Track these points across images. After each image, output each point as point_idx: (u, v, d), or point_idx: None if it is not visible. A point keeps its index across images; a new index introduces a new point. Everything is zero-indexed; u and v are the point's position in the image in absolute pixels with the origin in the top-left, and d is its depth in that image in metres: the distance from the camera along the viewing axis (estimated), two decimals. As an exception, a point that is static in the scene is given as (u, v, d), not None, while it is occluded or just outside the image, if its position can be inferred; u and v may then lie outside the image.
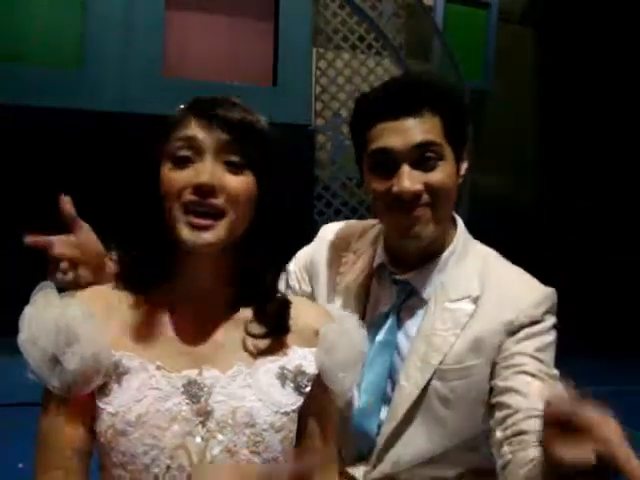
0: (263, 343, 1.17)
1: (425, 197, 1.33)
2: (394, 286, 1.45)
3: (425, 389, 1.35)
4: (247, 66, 5.96)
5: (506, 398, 1.27)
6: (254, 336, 1.16)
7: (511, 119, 8.40)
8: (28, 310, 1.09)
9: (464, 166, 1.42)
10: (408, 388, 1.36)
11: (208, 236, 1.07)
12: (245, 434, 1.08)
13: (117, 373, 1.09)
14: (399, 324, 1.43)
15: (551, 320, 1.37)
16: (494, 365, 1.33)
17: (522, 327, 1.33)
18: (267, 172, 1.14)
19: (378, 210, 1.41)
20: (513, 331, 1.33)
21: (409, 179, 1.32)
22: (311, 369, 1.18)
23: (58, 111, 5.20)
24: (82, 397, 1.09)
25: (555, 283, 1.42)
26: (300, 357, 1.18)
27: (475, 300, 1.38)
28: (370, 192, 1.40)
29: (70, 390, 1.07)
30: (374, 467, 1.39)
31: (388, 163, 1.35)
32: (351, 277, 1.50)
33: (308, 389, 1.17)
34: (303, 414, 1.18)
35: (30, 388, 1.14)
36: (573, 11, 8.10)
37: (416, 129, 1.33)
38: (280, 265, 1.25)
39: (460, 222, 1.49)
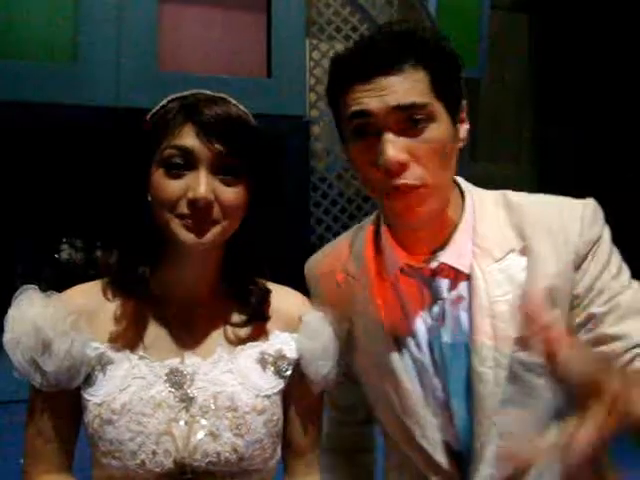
0: (243, 331, 1.20)
1: (414, 169, 1.15)
2: (431, 279, 1.29)
3: (510, 367, 1.19)
4: (241, 58, 5.95)
5: (602, 348, 1.17)
6: (235, 325, 1.20)
7: (507, 107, 8.40)
8: (11, 311, 1.12)
9: (464, 127, 1.25)
10: (489, 373, 1.19)
11: (202, 239, 1.09)
12: (227, 417, 1.12)
13: (101, 364, 1.12)
14: (454, 316, 1.26)
15: (606, 228, 1.26)
16: (571, 309, 1.20)
17: (587, 254, 1.22)
18: (262, 178, 1.15)
19: (372, 196, 1.27)
20: (581, 262, 1.20)
21: (393, 147, 1.13)
22: (292, 353, 1.22)
23: (52, 106, 5.19)
24: (67, 391, 1.11)
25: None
26: (281, 341, 1.22)
27: (523, 251, 1.23)
28: (356, 171, 1.24)
29: (55, 386, 1.10)
30: (474, 475, 1.25)
31: (369, 130, 1.17)
32: (362, 295, 1.35)
33: (289, 372, 1.21)
34: (286, 399, 1.23)
35: (28, 385, 1.16)
36: (566, -3, 8.10)
37: (396, 88, 1.12)
38: (272, 258, 1.27)
39: (460, 179, 1.34)
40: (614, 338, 1.17)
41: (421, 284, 1.32)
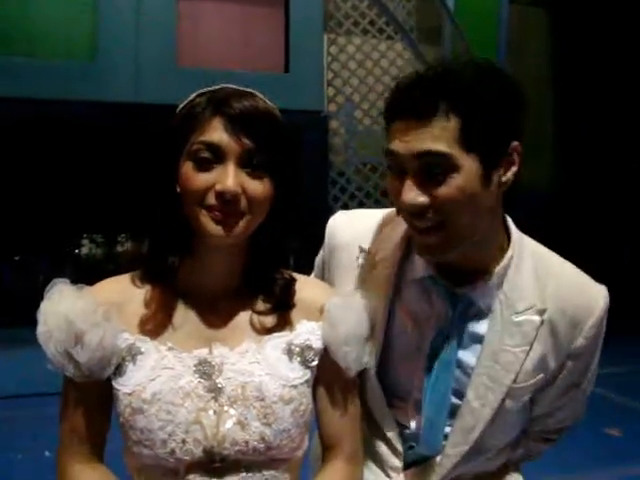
0: (269, 320, 1.22)
1: (433, 214, 1.18)
2: (448, 299, 1.32)
3: (497, 409, 1.31)
4: (259, 54, 5.97)
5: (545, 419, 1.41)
6: (260, 313, 1.21)
7: (526, 100, 8.37)
8: (43, 305, 1.14)
9: (510, 171, 1.22)
10: (480, 410, 1.31)
11: (224, 230, 1.11)
12: (255, 407, 1.14)
13: (131, 354, 1.15)
14: (459, 340, 1.33)
15: (604, 320, 1.34)
16: (547, 380, 1.34)
17: (582, 350, 1.31)
18: (287, 173, 1.16)
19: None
20: (574, 353, 1.31)
21: (410, 191, 1.16)
22: (318, 343, 1.23)
23: (73, 103, 5.24)
24: (99, 381, 1.14)
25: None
26: (308, 331, 1.23)
27: (541, 312, 1.30)
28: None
29: (88, 376, 1.13)
30: (433, 471, 1.36)
31: (397, 168, 1.20)
32: (374, 281, 1.38)
33: (315, 363, 1.22)
34: (316, 387, 1.24)
35: (55, 378, 1.19)
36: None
37: (423, 135, 1.13)
38: (292, 251, 1.28)
39: (511, 224, 1.35)
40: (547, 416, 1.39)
41: (434, 297, 1.35)
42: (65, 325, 1.12)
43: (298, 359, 1.21)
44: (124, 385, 1.14)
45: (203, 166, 1.10)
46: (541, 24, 8.67)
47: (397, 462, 1.39)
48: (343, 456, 1.27)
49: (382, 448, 1.40)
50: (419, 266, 1.35)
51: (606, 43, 8.07)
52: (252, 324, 1.21)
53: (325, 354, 1.22)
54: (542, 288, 1.30)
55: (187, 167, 1.11)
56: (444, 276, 1.31)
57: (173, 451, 1.11)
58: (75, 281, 1.18)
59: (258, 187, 1.12)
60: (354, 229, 1.46)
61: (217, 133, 1.10)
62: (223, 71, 5.52)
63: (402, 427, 1.39)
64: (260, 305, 1.22)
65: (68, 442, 1.19)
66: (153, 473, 1.14)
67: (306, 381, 1.20)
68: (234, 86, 1.17)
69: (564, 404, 1.38)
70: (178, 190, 1.12)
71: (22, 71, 5.14)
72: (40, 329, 1.13)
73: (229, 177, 1.08)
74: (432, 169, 1.15)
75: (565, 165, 8.63)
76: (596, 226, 8.20)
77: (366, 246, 1.42)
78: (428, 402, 1.33)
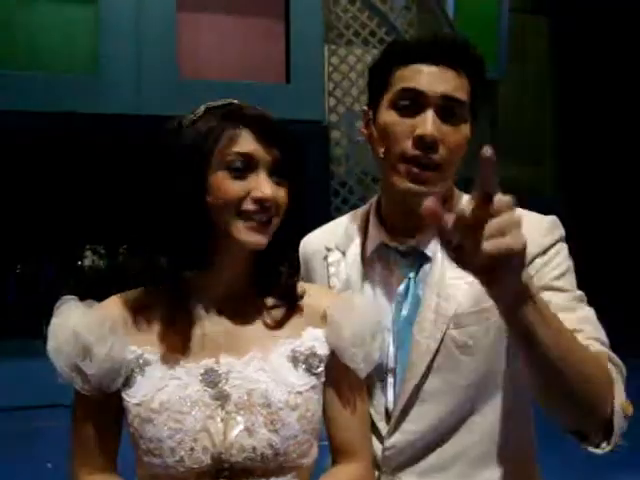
0: (280, 312, 1.24)
1: (442, 150, 1.30)
2: (402, 260, 1.42)
3: (442, 340, 1.33)
4: (260, 65, 6.00)
5: None
6: (271, 308, 1.24)
7: (525, 108, 8.39)
8: (53, 321, 1.18)
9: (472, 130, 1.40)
10: (424, 342, 1.35)
11: (262, 238, 1.17)
12: (262, 414, 1.16)
13: (140, 366, 1.18)
14: (415, 293, 1.40)
15: (564, 247, 1.35)
16: None
17: (534, 257, 1.31)
18: (300, 181, 1.22)
19: (388, 162, 1.35)
20: (531, 260, 1.30)
21: (435, 122, 1.28)
22: (323, 350, 1.24)
23: (75, 115, 5.26)
24: (109, 394, 1.16)
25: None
26: (313, 338, 1.25)
27: None
28: (382, 137, 1.34)
29: (98, 389, 1.15)
30: (394, 430, 1.36)
31: (414, 104, 1.31)
32: (345, 271, 1.48)
33: (320, 369, 1.24)
34: (326, 392, 1.25)
35: (57, 390, 1.20)
36: (586, -2, 8.08)
37: (451, 81, 1.30)
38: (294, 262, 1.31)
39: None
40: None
41: (392, 263, 1.43)
42: (73, 339, 1.15)
43: (303, 366, 1.22)
44: (133, 396, 1.17)
45: (237, 175, 1.14)
46: (541, 32, 8.70)
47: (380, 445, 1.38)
48: (356, 458, 1.28)
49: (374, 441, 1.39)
50: (373, 237, 1.44)
51: (606, 50, 8.10)
52: (259, 334, 1.22)
53: (333, 358, 1.23)
54: None
55: (221, 177, 1.15)
56: (393, 239, 1.40)
57: (182, 459, 1.13)
58: (78, 292, 1.20)
59: (283, 194, 1.17)
60: (318, 237, 1.55)
61: (249, 144, 1.16)
62: (224, 82, 5.54)
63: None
64: (270, 300, 1.25)
65: (80, 454, 1.22)
66: None
67: (312, 387, 1.21)
68: (235, 100, 1.20)
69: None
70: (209, 200, 1.15)
71: (24, 85, 5.17)
72: (50, 344, 1.16)
73: (265, 185, 1.15)
74: (451, 112, 1.29)
75: (566, 170, 8.64)
76: (599, 230, 8.21)
77: (332, 245, 1.51)
78: (398, 364, 1.37)
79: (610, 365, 1.14)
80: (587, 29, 8.20)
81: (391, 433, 1.36)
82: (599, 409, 1.06)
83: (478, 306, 1.32)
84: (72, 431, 1.22)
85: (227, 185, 1.15)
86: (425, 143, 1.28)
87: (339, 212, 6.25)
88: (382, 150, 1.35)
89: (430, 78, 1.31)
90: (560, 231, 1.39)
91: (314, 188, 5.89)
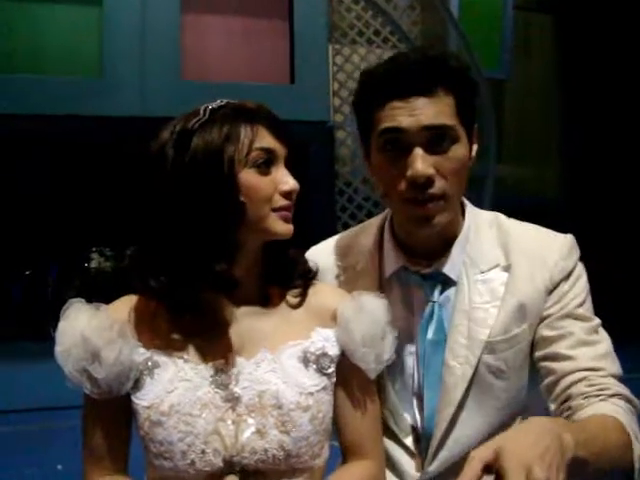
0: (295, 292, 1.25)
1: (438, 183, 1.27)
2: (424, 282, 1.40)
3: (477, 366, 1.33)
4: (264, 65, 6.00)
5: (554, 364, 1.30)
6: (285, 288, 1.27)
7: (531, 107, 8.37)
8: (60, 324, 1.17)
9: (475, 148, 1.37)
10: (460, 368, 1.34)
11: (291, 226, 1.20)
12: (273, 415, 1.15)
13: (149, 368, 1.17)
14: (439, 316, 1.40)
15: (582, 268, 1.38)
16: (537, 326, 1.34)
17: (560, 281, 1.34)
18: (302, 171, 1.27)
19: (390, 202, 1.37)
20: (553, 288, 1.34)
21: (422, 162, 1.25)
22: (334, 350, 1.24)
23: (80, 118, 5.27)
24: (118, 397, 1.16)
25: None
26: (323, 338, 1.25)
27: (506, 268, 1.37)
28: (378, 179, 1.35)
29: (107, 392, 1.14)
30: (433, 459, 1.36)
31: (399, 144, 1.27)
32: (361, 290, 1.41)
33: (331, 370, 1.23)
34: (336, 392, 1.25)
35: (67, 392, 1.20)
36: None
37: (428, 110, 1.25)
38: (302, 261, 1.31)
39: (463, 198, 1.46)
40: (566, 358, 1.31)
41: (413, 285, 1.42)
42: (81, 342, 1.14)
43: (314, 367, 1.21)
44: (142, 399, 1.16)
45: (264, 171, 1.17)
46: (545, 30, 8.67)
47: (414, 469, 1.38)
48: (367, 457, 1.27)
49: (397, 452, 1.40)
50: (392, 260, 1.43)
51: (611, 48, 8.07)
52: (269, 335, 1.22)
53: (344, 359, 1.23)
54: (504, 246, 1.39)
55: (250, 174, 1.17)
56: (414, 263, 1.39)
57: (193, 462, 1.12)
58: (84, 294, 1.20)
59: (298, 186, 1.21)
60: (325, 252, 1.53)
61: (267, 139, 1.18)
62: (228, 83, 5.54)
63: (415, 432, 1.40)
64: (279, 293, 1.26)
65: (91, 457, 1.21)
66: None
67: (323, 388, 1.21)
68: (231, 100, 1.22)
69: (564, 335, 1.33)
70: (242, 199, 1.15)
71: (29, 88, 5.17)
72: (58, 348, 1.16)
73: (289, 177, 1.19)
74: (439, 140, 1.26)
75: (572, 170, 8.61)
76: (602, 231, 8.17)
77: (344, 263, 1.49)
78: (426, 388, 1.37)
79: (624, 403, 1.17)
80: (592, 27, 8.17)
81: (430, 461, 1.36)
82: (620, 468, 1.09)
83: (509, 333, 1.32)
84: (82, 434, 1.22)
85: (258, 182, 1.16)
86: (419, 184, 1.26)
87: (344, 211, 6.25)
88: (381, 191, 1.36)
89: (407, 113, 1.26)
90: (578, 251, 1.40)
91: (319, 188, 5.89)
